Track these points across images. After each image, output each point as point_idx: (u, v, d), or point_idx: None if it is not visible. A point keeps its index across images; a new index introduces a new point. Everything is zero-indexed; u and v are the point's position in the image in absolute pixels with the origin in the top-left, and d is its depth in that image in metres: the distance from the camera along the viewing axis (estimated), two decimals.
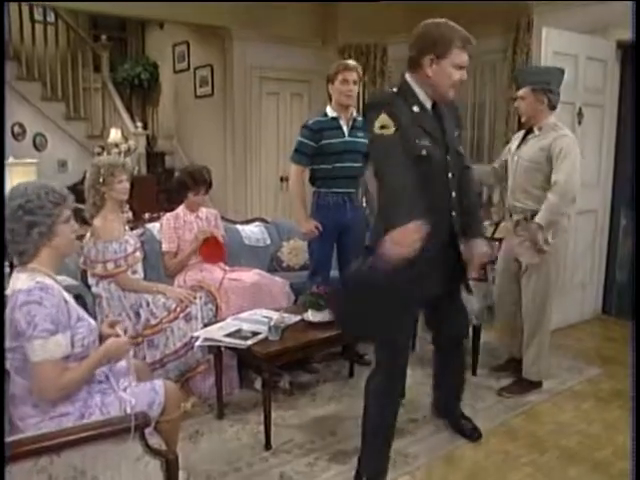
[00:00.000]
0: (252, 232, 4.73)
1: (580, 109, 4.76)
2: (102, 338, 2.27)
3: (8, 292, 2.05)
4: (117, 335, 2.26)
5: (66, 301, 2.10)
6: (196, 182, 3.99)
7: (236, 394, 3.70)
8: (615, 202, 5.35)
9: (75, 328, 2.10)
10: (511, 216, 3.73)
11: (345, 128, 3.83)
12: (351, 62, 3.89)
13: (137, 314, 3.46)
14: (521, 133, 3.83)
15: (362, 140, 3.70)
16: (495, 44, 6.30)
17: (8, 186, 3.90)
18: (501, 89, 6.26)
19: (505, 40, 6.15)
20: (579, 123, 4.76)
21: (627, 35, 4.82)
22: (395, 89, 2.56)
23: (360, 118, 3.84)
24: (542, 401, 3.70)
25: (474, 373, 3.98)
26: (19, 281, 2.06)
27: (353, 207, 3.91)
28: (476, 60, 6.29)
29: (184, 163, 8.39)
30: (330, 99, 3.85)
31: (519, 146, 3.73)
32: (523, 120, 3.74)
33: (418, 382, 3.75)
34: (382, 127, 2.35)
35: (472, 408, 3.49)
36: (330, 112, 3.85)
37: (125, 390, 2.21)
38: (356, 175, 3.91)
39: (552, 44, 4.50)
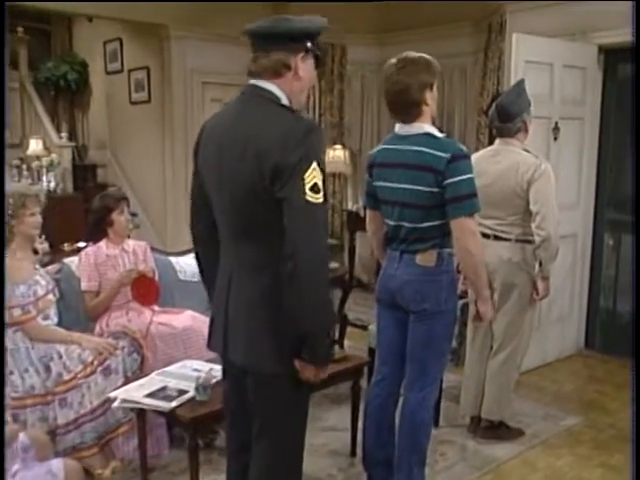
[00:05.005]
0: (187, 265, 4.64)
1: (556, 123, 4.82)
2: None
3: None
4: None
5: None
6: (116, 199, 4.02)
7: (165, 455, 3.63)
8: (597, 223, 5.42)
9: None
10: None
11: None
12: None
13: (47, 368, 3.37)
14: None
15: None
16: (466, 46, 6.40)
17: None
18: (472, 96, 6.33)
19: (477, 42, 6.24)
20: (555, 139, 4.82)
21: (610, 39, 4.91)
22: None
23: None
24: (511, 457, 3.71)
25: (435, 424, 3.92)
26: None
27: None
28: (445, 63, 6.35)
29: (118, 177, 8.33)
30: (423, 113, 2.90)
31: None
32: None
33: None
34: None
35: (431, 468, 3.45)
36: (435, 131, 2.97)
37: (14, 476, 2.14)
38: None
39: (524, 52, 4.54)
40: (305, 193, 1.99)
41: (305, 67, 2.19)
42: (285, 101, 2.18)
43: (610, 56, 5.15)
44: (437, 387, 3.20)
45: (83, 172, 8.38)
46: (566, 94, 4.91)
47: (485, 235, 3.67)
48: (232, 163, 2.14)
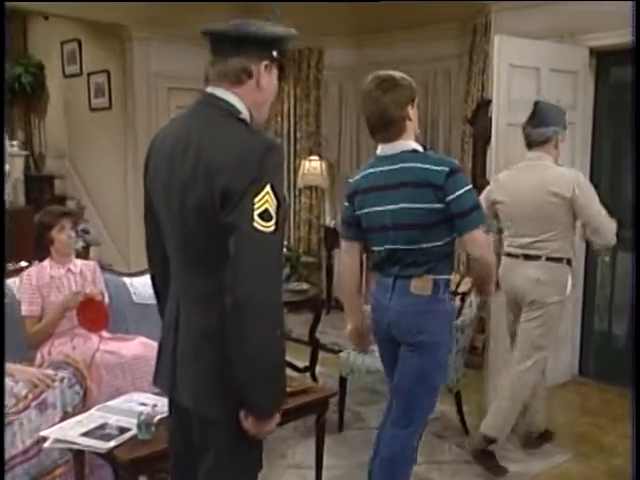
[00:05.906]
0: (143, 286, 4.52)
1: None
2: None
3: None
4: None
5: None
6: (56, 215, 3.90)
7: None
8: None
9: None
10: None
11: None
12: None
13: None
14: None
15: None
16: (450, 48, 6.36)
17: None
18: (457, 103, 6.27)
19: (462, 44, 6.20)
20: None
21: (602, 41, 4.88)
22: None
23: None
24: None
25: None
26: None
27: None
28: (428, 67, 6.33)
29: (78, 189, 8.21)
30: (406, 130, 2.91)
31: None
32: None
33: None
34: None
35: None
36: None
37: None
38: None
39: (508, 55, 4.50)
40: (253, 219, 1.86)
41: (268, 78, 2.07)
42: (245, 115, 2.05)
43: (602, 59, 5.12)
44: (422, 425, 3.10)
45: (39, 183, 8.27)
46: (555, 99, 4.84)
47: (514, 255, 3.88)
48: (182, 181, 2.01)
